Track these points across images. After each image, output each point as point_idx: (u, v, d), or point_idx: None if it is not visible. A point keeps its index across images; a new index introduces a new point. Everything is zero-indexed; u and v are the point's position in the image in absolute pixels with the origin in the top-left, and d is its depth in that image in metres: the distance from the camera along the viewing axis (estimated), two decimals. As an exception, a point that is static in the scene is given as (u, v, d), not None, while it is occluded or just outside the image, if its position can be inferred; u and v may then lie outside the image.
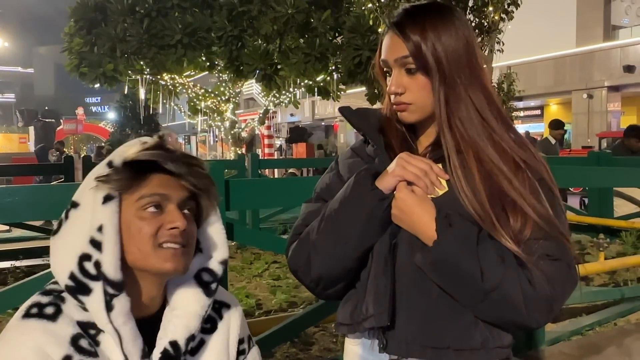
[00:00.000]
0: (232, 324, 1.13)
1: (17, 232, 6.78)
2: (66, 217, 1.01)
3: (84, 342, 0.93)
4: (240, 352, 1.13)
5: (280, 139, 23.59)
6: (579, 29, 21.41)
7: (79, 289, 0.95)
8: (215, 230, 1.09)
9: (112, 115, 38.59)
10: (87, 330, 0.95)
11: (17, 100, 61.93)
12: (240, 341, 1.14)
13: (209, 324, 1.10)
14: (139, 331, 0.98)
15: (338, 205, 1.10)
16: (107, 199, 0.96)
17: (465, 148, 1.08)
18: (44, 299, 0.97)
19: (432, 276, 1.05)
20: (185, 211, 1.01)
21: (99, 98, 66.68)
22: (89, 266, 0.95)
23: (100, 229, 0.95)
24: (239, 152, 13.90)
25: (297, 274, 1.17)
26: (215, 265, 1.08)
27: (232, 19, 11.68)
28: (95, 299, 0.94)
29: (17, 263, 5.05)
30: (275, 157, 20.97)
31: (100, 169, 0.99)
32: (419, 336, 1.07)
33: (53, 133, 21.06)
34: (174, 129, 36.68)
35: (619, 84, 19.61)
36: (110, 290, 0.94)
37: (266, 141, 19.60)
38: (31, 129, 24.02)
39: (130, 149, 0.99)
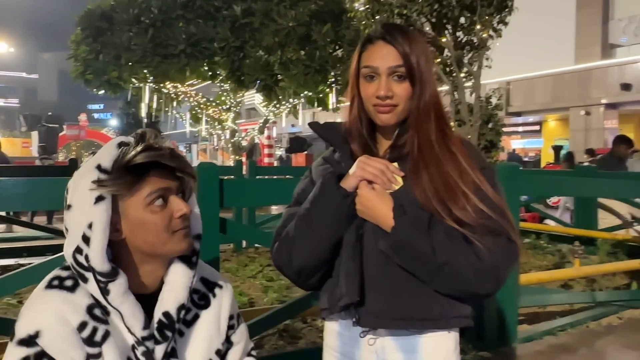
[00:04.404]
0: (224, 301, 1.27)
1: (21, 232, 6.96)
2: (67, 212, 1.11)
3: (97, 311, 1.07)
4: (230, 327, 1.27)
5: (281, 149, 23.79)
6: (577, 47, 21.65)
7: (80, 276, 1.08)
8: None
9: (114, 122, 38.89)
10: (99, 302, 1.08)
11: (21, 105, 62.30)
12: (231, 317, 1.28)
13: (203, 301, 1.24)
14: (147, 305, 1.12)
15: (309, 204, 1.28)
16: (98, 199, 1.06)
17: (423, 148, 1.26)
18: (64, 273, 1.11)
19: (393, 258, 1.22)
20: (180, 195, 1.15)
21: (101, 105, 67.04)
22: (81, 259, 1.06)
23: (90, 226, 1.05)
24: (239, 159, 14.08)
25: (282, 270, 1.35)
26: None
27: (234, 30, 11.90)
28: (92, 287, 1.07)
29: (21, 260, 5.21)
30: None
31: (90, 172, 1.07)
32: (386, 311, 1.24)
33: (56, 138, 21.20)
34: (175, 136, 36.94)
35: (616, 102, 19.76)
36: (102, 279, 1.06)
37: (266, 150, 19.80)
38: (34, 133, 24.17)
39: (126, 154, 1.08)
